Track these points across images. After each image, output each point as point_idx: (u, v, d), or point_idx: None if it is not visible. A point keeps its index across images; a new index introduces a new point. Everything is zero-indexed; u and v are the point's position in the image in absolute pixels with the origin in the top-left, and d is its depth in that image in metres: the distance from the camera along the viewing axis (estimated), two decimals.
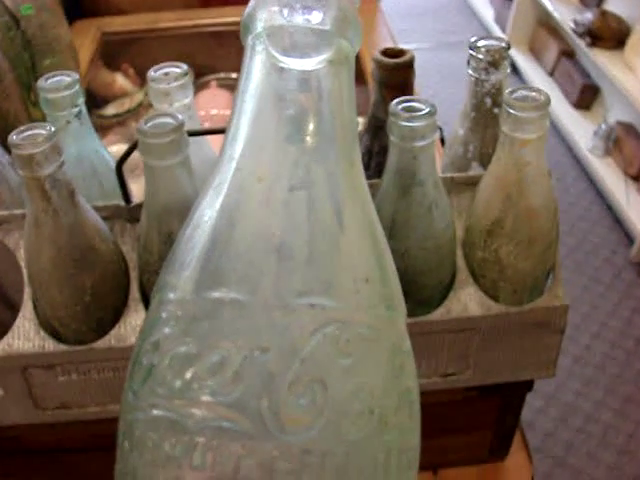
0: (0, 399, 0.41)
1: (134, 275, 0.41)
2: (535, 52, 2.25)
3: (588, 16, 1.80)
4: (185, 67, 0.42)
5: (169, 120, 0.34)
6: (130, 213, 0.42)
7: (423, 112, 0.34)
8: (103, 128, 0.92)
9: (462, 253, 0.42)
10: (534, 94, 0.35)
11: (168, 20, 1.10)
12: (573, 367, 1.37)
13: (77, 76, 0.41)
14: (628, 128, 1.75)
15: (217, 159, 0.27)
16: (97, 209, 0.39)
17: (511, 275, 0.40)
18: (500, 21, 2.42)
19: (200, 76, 1.02)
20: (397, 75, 0.43)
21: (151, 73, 0.41)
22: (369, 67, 0.45)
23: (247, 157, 0.26)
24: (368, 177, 0.29)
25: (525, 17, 2.25)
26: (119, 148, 0.75)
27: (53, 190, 0.34)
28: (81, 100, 0.42)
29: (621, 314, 1.48)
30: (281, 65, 0.26)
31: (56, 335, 0.40)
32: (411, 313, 0.35)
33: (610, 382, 1.34)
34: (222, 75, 1.03)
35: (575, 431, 1.26)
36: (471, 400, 0.48)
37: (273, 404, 0.22)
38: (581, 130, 1.90)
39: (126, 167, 0.41)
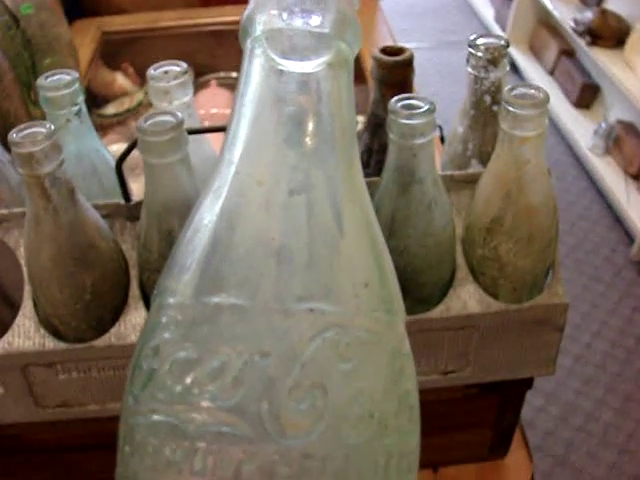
0: (0, 397, 0.41)
1: (134, 273, 0.41)
2: (535, 51, 2.25)
3: (588, 15, 1.80)
4: (184, 65, 0.42)
5: (169, 118, 0.34)
6: (130, 211, 0.42)
7: (422, 110, 0.34)
8: (103, 127, 0.92)
9: (462, 251, 0.42)
10: (533, 91, 0.35)
11: (168, 19, 1.10)
12: (573, 366, 1.37)
13: (77, 74, 0.41)
14: (628, 127, 1.75)
15: (216, 162, 0.27)
16: (97, 207, 0.39)
17: (511, 273, 0.40)
18: (500, 20, 2.42)
19: (200, 75, 1.02)
20: (396, 73, 0.43)
21: (151, 71, 0.41)
22: (369, 65, 0.45)
23: (246, 160, 0.26)
24: (368, 175, 0.28)
25: (525, 16, 2.25)
26: (119, 147, 0.75)
27: (53, 188, 0.34)
28: (81, 98, 0.42)
29: (621, 313, 1.48)
30: (280, 68, 0.26)
31: (56, 333, 0.40)
32: (411, 311, 0.35)
33: (610, 381, 1.34)
34: (222, 74, 1.03)
35: (575, 430, 1.26)
36: (471, 398, 0.48)
37: (273, 409, 0.22)
38: (581, 129, 1.90)
39: (126, 166, 0.41)
